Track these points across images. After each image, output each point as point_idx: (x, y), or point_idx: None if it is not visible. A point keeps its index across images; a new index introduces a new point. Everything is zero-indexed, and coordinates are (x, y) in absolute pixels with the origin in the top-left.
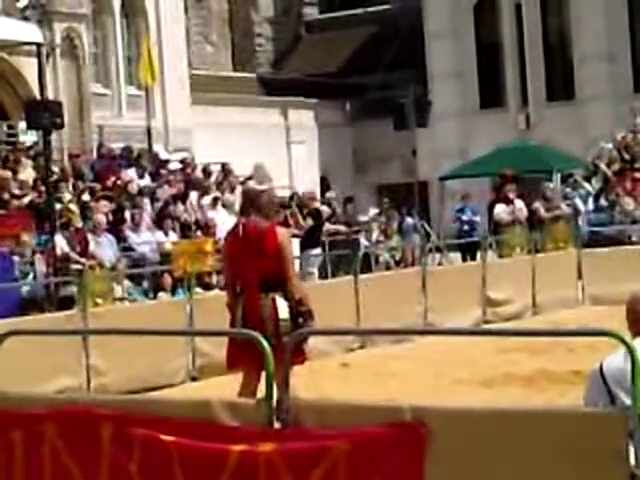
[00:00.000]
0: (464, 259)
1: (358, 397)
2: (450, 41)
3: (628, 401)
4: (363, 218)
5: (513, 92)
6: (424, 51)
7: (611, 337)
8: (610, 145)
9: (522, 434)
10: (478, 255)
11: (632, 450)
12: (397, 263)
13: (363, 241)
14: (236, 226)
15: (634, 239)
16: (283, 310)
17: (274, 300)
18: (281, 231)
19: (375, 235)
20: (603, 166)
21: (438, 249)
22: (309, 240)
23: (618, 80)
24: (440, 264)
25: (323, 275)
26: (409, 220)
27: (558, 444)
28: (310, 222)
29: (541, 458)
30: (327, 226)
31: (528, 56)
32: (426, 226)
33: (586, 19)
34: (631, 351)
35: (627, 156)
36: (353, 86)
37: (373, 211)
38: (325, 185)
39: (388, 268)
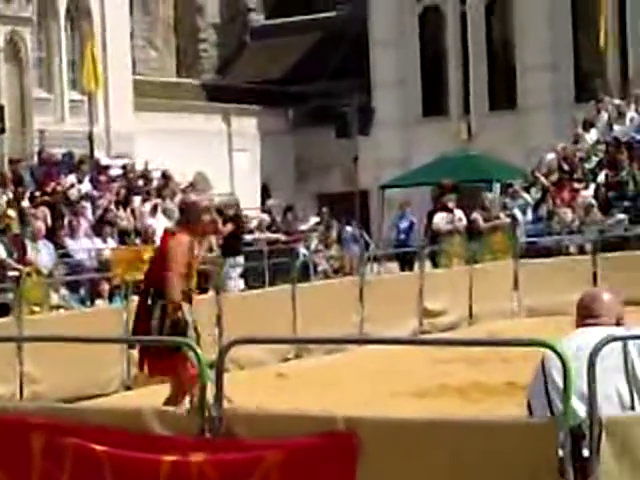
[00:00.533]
0: (402, 269)
1: (293, 407)
2: (394, 49)
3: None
4: (303, 227)
5: (456, 101)
6: (368, 59)
7: (545, 347)
8: (551, 155)
9: (454, 445)
10: (416, 265)
11: (564, 460)
12: (336, 272)
13: (302, 250)
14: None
15: (571, 250)
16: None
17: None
18: (177, 238)
19: (314, 244)
20: (541, 176)
21: (377, 258)
22: (229, 247)
23: (560, 90)
24: (378, 274)
25: (261, 283)
26: (348, 229)
27: (490, 454)
28: (230, 228)
29: (473, 469)
30: (266, 234)
31: (471, 65)
32: (365, 235)
33: (530, 29)
34: (563, 362)
35: (566, 167)
36: (296, 94)
37: (313, 220)
38: (266, 193)
39: (327, 277)
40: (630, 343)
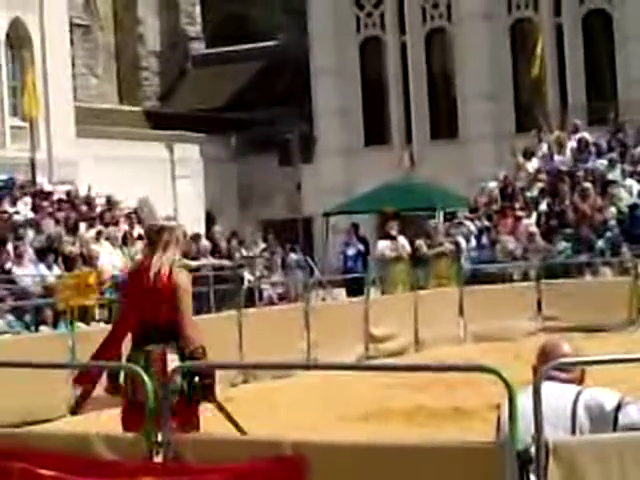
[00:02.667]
0: (349, 295)
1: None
2: (336, 78)
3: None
4: (247, 253)
5: (397, 130)
6: (310, 87)
7: (489, 373)
8: (492, 184)
9: (400, 468)
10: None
11: None
12: (281, 298)
13: (247, 276)
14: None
15: (515, 277)
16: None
17: (164, 352)
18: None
19: (259, 270)
20: (484, 204)
21: (322, 285)
22: None
23: (501, 119)
24: (324, 300)
25: (206, 309)
26: (293, 256)
27: (438, 478)
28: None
29: None
30: (211, 260)
31: (413, 94)
32: (310, 262)
33: (469, 59)
34: (508, 386)
35: (508, 195)
36: (239, 121)
37: (257, 246)
38: (210, 220)
39: (272, 303)
40: (579, 405)
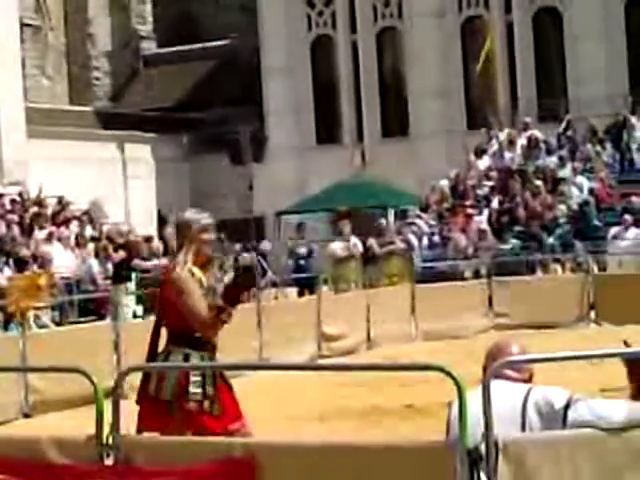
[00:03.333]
0: (301, 294)
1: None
2: (287, 77)
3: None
4: None
5: (349, 128)
6: (261, 87)
7: (438, 372)
8: (444, 182)
9: (353, 468)
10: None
11: None
12: None
13: None
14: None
15: (466, 275)
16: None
17: (167, 359)
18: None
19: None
20: (435, 202)
21: (274, 284)
22: (119, 274)
23: (451, 117)
24: (276, 299)
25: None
26: (245, 255)
27: (389, 477)
28: (122, 254)
29: None
30: (162, 261)
31: (364, 93)
32: (262, 261)
33: (420, 57)
34: (458, 385)
35: (459, 193)
36: (190, 121)
37: None
38: (162, 220)
39: None
40: (529, 403)
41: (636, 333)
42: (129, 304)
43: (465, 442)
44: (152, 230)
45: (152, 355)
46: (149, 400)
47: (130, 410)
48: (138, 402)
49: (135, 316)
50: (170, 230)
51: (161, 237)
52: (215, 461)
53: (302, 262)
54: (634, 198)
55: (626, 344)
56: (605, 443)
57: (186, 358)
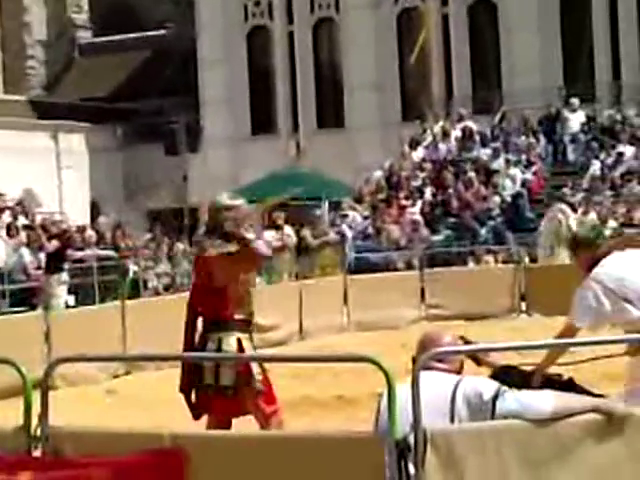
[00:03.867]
0: None
1: (123, 424)
2: (222, 68)
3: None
4: (133, 243)
5: (284, 119)
6: (197, 77)
7: (368, 363)
8: (378, 173)
9: (282, 459)
10: None
11: (388, 474)
12: (166, 289)
13: (132, 267)
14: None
15: (399, 266)
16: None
17: (219, 346)
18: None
19: (144, 261)
20: (369, 194)
21: None
22: (53, 264)
23: (386, 109)
24: None
25: (90, 300)
26: (179, 246)
27: (319, 469)
28: (55, 244)
29: None
30: (95, 251)
31: (299, 84)
32: None
33: (356, 49)
34: (387, 376)
35: (394, 184)
36: (125, 111)
37: (143, 237)
38: (96, 210)
39: (157, 294)
40: (458, 395)
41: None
42: (61, 294)
43: (393, 433)
44: (86, 220)
45: (190, 344)
46: (204, 388)
47: (60, 401)
48: (190, 392)
49: (67, 306)
50: (103, 220)
51: (94, 227)
52: (144, 452)
53: None
54: (566, 190)
55: (462, 338)
56: (532, 434)
57: (239, 342)
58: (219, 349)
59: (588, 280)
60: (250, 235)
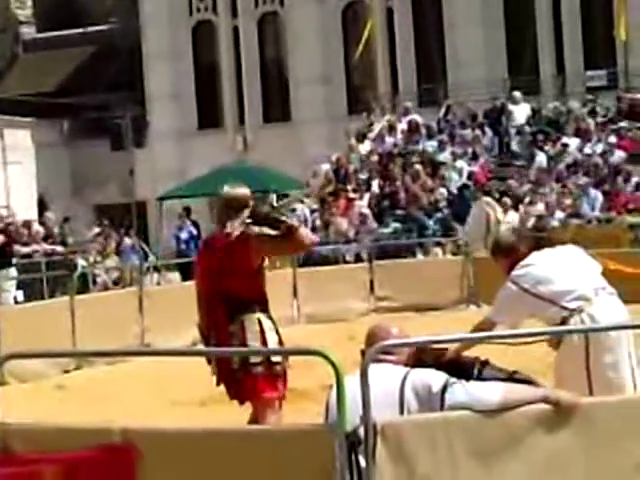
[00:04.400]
0: (184, 279)
1: (74, 420)
2: (168, 62)
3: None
4: (81, 238)
5: (230, 113)
6: (142, 72)
7: (316, 356)
8: (325, 166)
9: (233, 453)
10: None
11: (338, 467)
12: (115, 283)
13: (80, 261)
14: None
15: (348, 258)
16: (252, 336)
17: (243, 328)
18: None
19: (93, 255)
20: (317, 187)
21: (157, 269)
22: (1, 259)
23: (333, 102)
24: (159, 284)
25: (39, 296)
26: (127, 240)
27: (269, 462)
28: (1, 239)
29: (253, 476)
30: (43, 246)
31: (245, 78)
32: (144, 246)
33: (301, 43)
34: (335, 369)
35: (341, 177)
36: (71, 106)
37: (91, 231)
38: (43, 206)
39: (106, 288)
40: (407, 387)
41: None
42: (10, 289)
43: (343, 426)
44: (33, 215)
45: (209, 327)
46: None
47: (9, 397)
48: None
49: (16, 302)
50: (50, 215)
51: (41, 222)
52: (95, 448)
53: (183, 247)
54: (511, 182)
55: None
56: (481, 425)
57: (260, 322)
58: (243, 329)
59: (507, 282)
60: (295, 222)
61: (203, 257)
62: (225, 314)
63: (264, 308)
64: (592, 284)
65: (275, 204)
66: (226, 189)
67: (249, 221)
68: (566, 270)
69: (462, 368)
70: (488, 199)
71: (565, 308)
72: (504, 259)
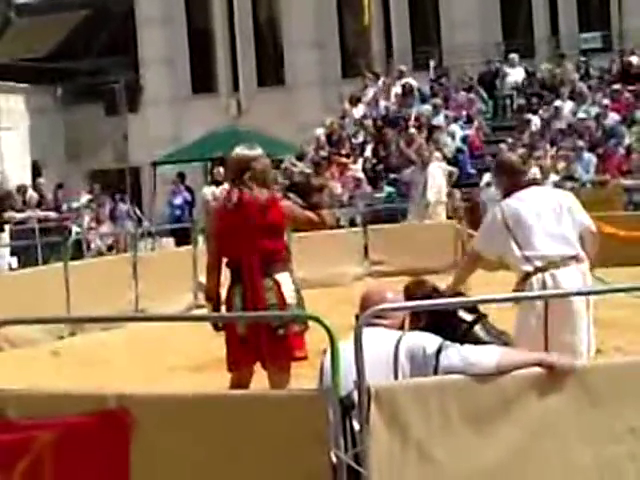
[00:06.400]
0: (178, 244)
1: (68, 386)
2: (161, 27)
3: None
4: (74, 204)
5: (224, 78)
6: (136, 37)
7: (312, 320)
8: (319, 130)
9: (228, 418)
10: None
11: (332, 431)
12: (109, 249)
13: (74, 227)
14: (228, 198)
15: (342, 223)
16: (290, 295)
17: (278, 284)
18: (285, 203)
19: (87, 221)
20: (311, 151)
21: (151, 234)
22: None
23: (327, 66)
24: (153, 249)
25: (33, 262)
26: (121, 206)
27: (263, 428)
28: None
29: (248, 442)
30: (37, 212)
31: (239, 42)
32: (138, 212)
33: (295, 7)
34: (329, 333)
35: (335, 142)
36: (64, 71)
37: (85, 197)
38: (37, 171)
39: (100, 254)
40: (401, 350)
41: (506, 277)
42: (4, 255)
43: (337, 390)
44: (27, 181)
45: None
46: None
47: (3, 363)
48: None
49: (10, 268)
50: (43, 180)
51: (35, 187)
52: (89, 413)
53: (177, 212)
54: (502, 145)
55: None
56: (475, 389)
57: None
58: (279, 286)
59: (495, 205)
60: (324, 203)
61: (229, 216)
62: (260, 271)
63: (290, 268)
64: (563, 250)
65: (307, 173)
66: (243, 151)
67: (281, 187)
68: (546, 225)
69: (454, 319)
70: (440, 163)
71: (528, 260)
72: (507, 179)
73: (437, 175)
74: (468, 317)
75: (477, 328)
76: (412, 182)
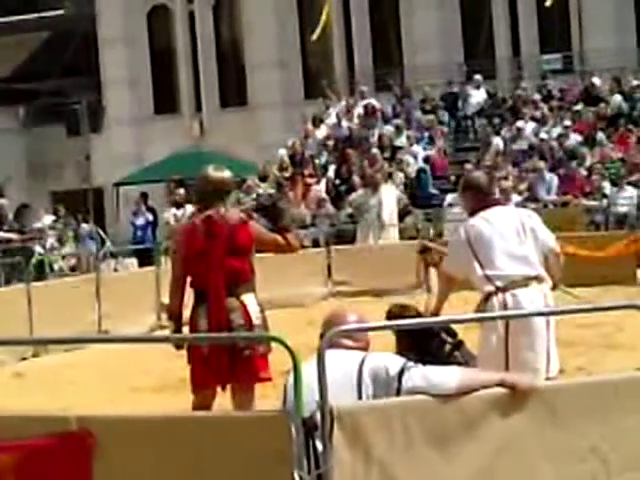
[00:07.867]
0: (141, 265)
1: (32, 408)
2: (123, 47)
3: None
4: (37, 225)
5: (187, 98)
6: (98, 57)
7: (273, 341)
8: (282, 151)
9: (191, 439)
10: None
11: (295, 452)
12: (72, 270)
13: (37, 248)
14: (197, 218)
15: (306, 243)
16: (256, 316)
17: (244, 305)
18: (253, 224)
19: (50, 242)
20: (275, 171)
21: (114, 255)
22: None
23: (289, 87)
24: (116, 270)
25: None
26: (84, 226)
27: (227, 448)
28: None
29: (211, 463)
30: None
31: (201, 63)
32: (101, 232)
33: (257, 27)
34: (292, 354)
35: (298, 162)
36: (26, 92)
37: (48, 218)
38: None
39: (63, 275)
40: (365, 371)
41: (467, 299)
42: None
43: (300, 411)
44: None
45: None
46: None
47: None
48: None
49: None
50: (4, 201)
51: None
52: (50, 435)
53: (140, 233)
54: (468, 165)
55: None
56: (437, 409)
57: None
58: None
59: (461, 226)
60: (292, 227)
61: (197, 237)
62: (226, 291)
63: (254, 289)
64: (524, 270)
65: (274, 199)
66: (214, 172)
67: (248, 208)
68: (508, 245)
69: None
70: (389, 185)
71: (490, 280)
72: (472, 197)
73: (390, 197)
74: (449, 339)
75: (456, 353)
76: (363, 204)
